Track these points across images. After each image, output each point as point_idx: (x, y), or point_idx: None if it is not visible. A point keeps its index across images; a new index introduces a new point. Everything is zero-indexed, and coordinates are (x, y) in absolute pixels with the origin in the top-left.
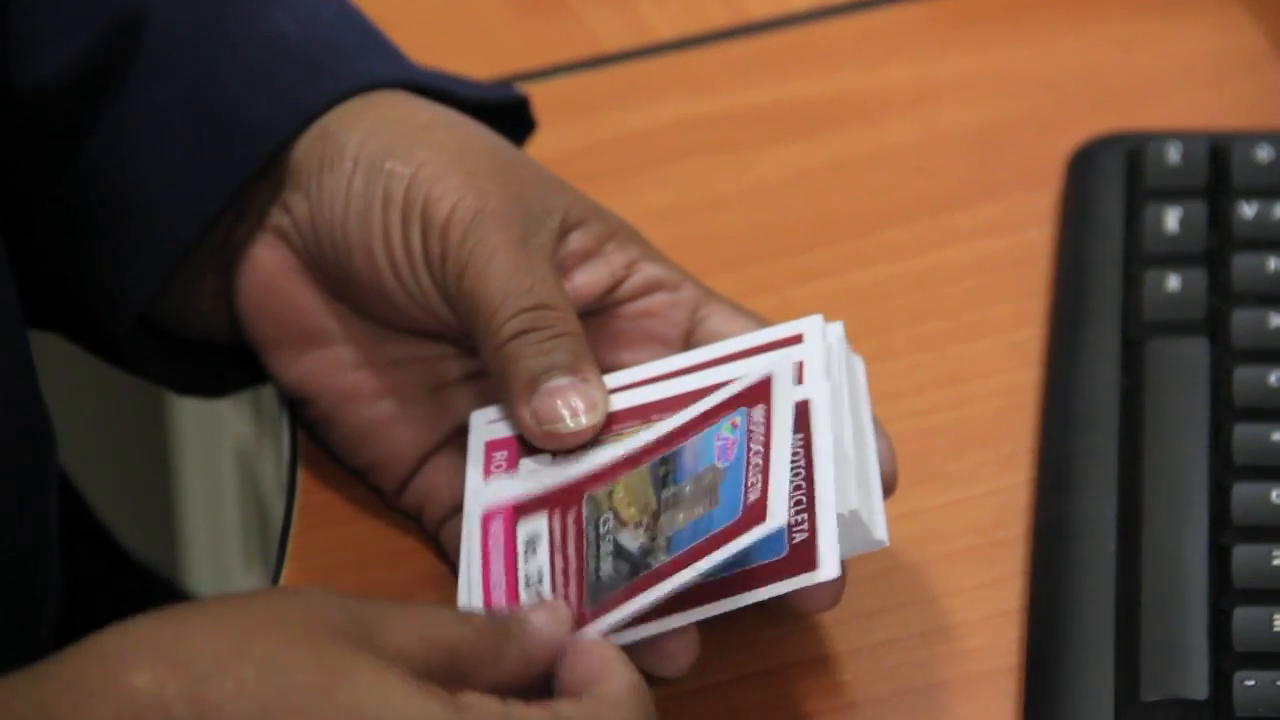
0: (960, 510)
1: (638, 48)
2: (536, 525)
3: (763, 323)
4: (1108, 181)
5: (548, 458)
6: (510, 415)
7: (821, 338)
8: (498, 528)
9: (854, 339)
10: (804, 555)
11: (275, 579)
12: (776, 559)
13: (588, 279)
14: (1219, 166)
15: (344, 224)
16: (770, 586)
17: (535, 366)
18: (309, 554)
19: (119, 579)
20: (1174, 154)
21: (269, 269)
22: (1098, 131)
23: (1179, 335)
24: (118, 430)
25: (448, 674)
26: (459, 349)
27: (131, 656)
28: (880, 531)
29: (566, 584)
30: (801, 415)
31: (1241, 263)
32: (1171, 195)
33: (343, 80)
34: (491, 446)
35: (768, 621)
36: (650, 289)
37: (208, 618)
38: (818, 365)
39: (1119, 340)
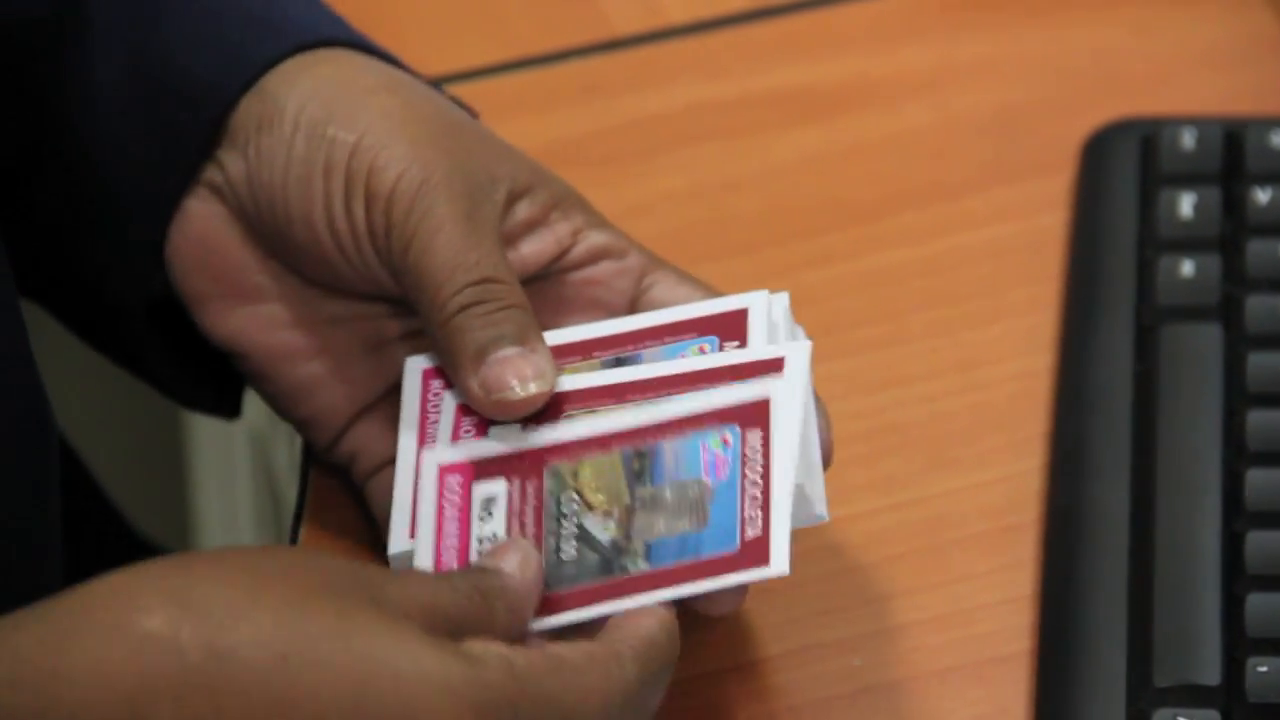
0: (973, 495)
1: (651, 31)
2: (493, 488)
3: (710, 291)
4: (1122, 167)
5: (515, 428)
6: (458, 387)
7: (766, 315)
8: (454, 483)
9: (867, 323)
10: (756, 551)
11: None
12: (727, 553)
13: (534, 249)
14: (1233, 152)
15: (284, 190)
16: (718, 579)
17: (483, 338)
18: (321, 537)
19: (131, 562)
20: (1188, 139)
21: (203, 223)
22: (1112, 117)
23: (1193, 321)
24: (130, 413)
25: (450, 635)
26: (397, 308)
27: (142, 598)
28: (820, 506)
29: None
30: (762, 411)
31: (1256, 248)
32: (1186, 181)
33: (285, 38)
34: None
35: (776, 608)
36: (595, 257)
37: (220, 565)
38: (761, 338)
39: (1133, 325)
